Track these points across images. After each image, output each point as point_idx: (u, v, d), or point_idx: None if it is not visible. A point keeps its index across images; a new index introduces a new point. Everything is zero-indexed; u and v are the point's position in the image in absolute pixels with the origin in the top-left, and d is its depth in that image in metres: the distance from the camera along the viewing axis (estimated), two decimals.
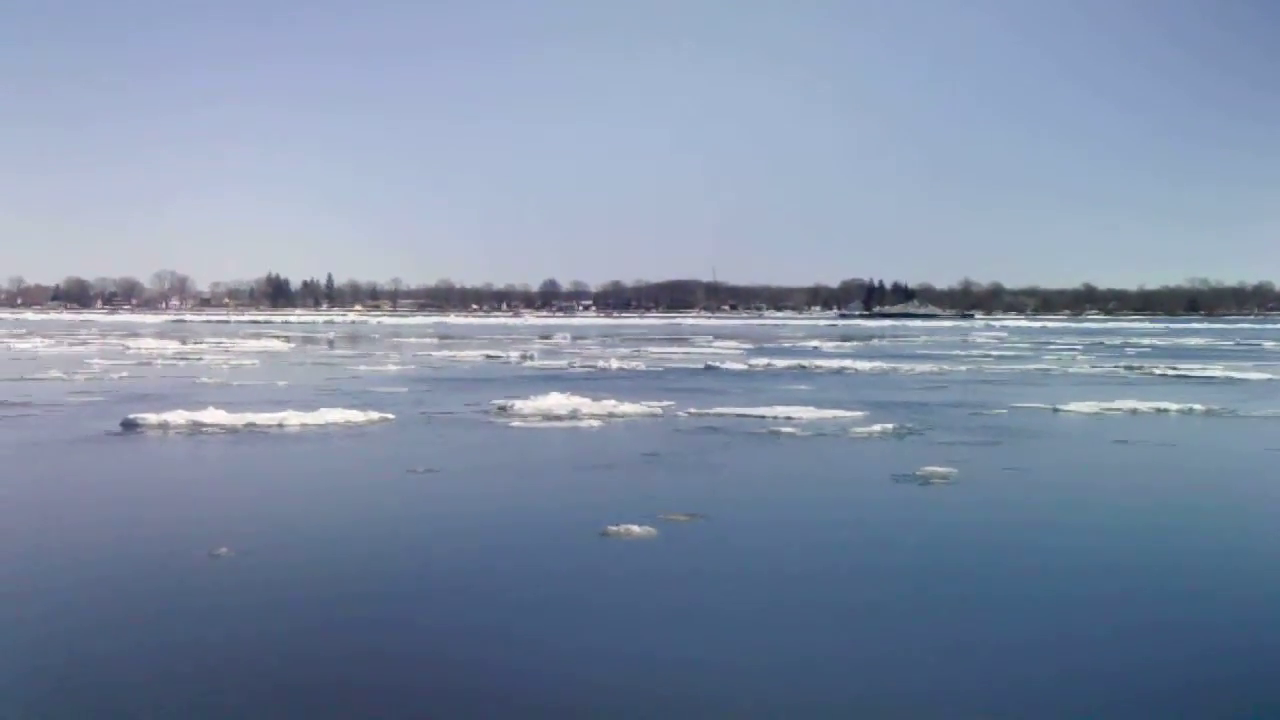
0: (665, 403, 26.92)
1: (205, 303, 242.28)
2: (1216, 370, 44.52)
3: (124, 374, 38.77)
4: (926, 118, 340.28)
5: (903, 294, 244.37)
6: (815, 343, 78.28)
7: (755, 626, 9.11)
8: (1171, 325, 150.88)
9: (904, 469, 16.72)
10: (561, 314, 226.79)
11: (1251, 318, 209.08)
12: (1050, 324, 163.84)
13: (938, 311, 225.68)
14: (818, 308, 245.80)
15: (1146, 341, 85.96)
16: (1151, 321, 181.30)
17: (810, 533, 12.93)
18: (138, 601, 9.52)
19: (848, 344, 78.33)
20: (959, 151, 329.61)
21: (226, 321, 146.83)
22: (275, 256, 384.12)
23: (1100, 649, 8.58)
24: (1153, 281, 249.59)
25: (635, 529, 12.16)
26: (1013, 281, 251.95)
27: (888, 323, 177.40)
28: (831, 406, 26.02)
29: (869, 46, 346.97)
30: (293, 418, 22.46)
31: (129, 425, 21.62)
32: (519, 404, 25.78)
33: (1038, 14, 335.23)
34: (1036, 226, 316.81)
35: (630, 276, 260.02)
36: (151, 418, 21.96)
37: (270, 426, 21.66)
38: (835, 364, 47.35)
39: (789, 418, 23.97)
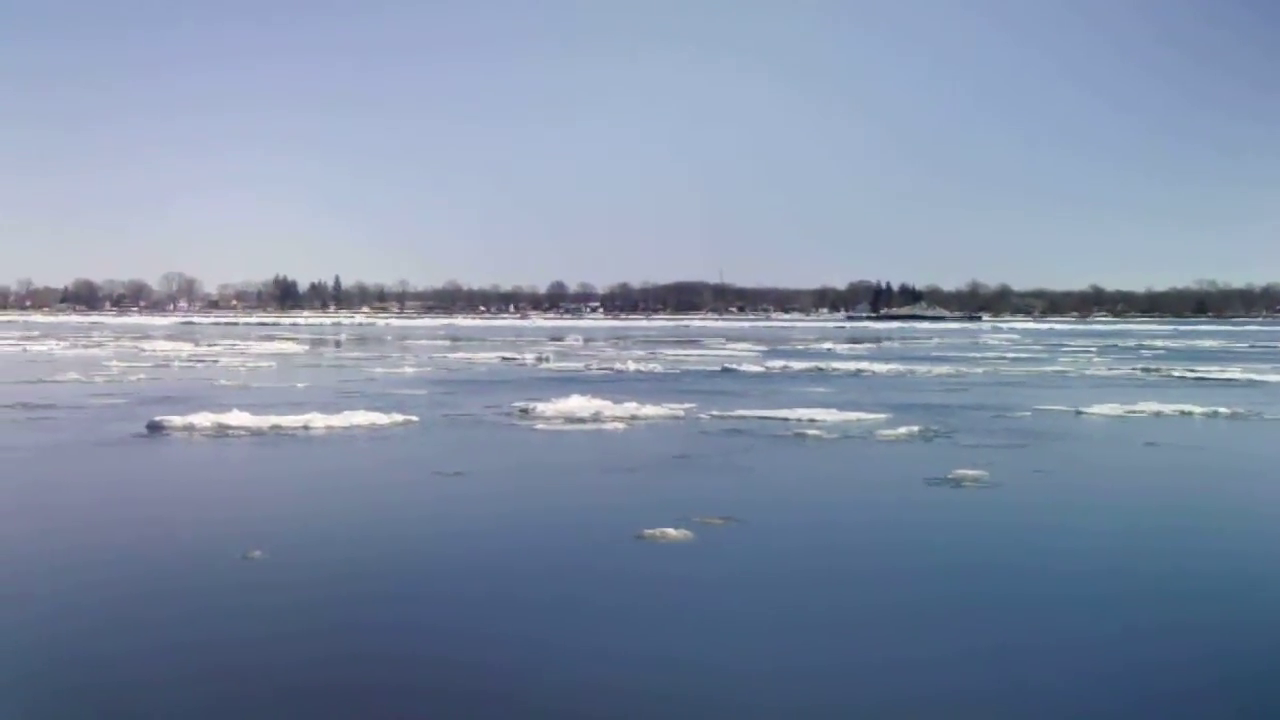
0: (686, 405, 26.88)
1: (213, 305, 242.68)
2: (1235, 372, 44.36)
3: (142, 376, 38.82)
4: (933, 120, 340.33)
5: (910, 296, 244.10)
6: (828, 344, 78.21)
7: (800, 630, 9.06)
8: (1180, 327, 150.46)
9: (934, 472, 16.65)
10: (569, 316, 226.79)
11: (1260, 319, 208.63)
12: (1058, 326, 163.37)
13: (945, 313, 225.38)
14: (825, 309, 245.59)
15: (1159, 343, 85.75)
16: (1160, 323, 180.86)
17: (847, 535, 12.89)
18: (174, 604, 9.48)
19: (860, 346, 78.22)
20: (966, 154, 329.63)
21: (235, 323, 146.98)
22: (283, 258, 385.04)
23: (1146, 649, 8.58)
24: (1160, 283, 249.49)
25: (671, 532, 12.11)
26: (1020, 283, 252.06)
27: (895, 324, 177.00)
28: (853, 409, 25.95)
29: (875, 49, 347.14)
30: (317, 420, 22.43)
31: (154, 427, 21.62)
32: (540, 406, 25.74)
33: (1042, 17, 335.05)
34: (1043, 228, 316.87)
35: (637, 278, 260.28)
36: (176, 420, 21.95)
37: (295, 429, 21.64)
38: (851, 366, 47.26)
39: (812, 420, 23.92)
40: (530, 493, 15.64)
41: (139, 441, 20.32)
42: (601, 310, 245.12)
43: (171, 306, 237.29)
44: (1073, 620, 9.36)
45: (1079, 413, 26.73)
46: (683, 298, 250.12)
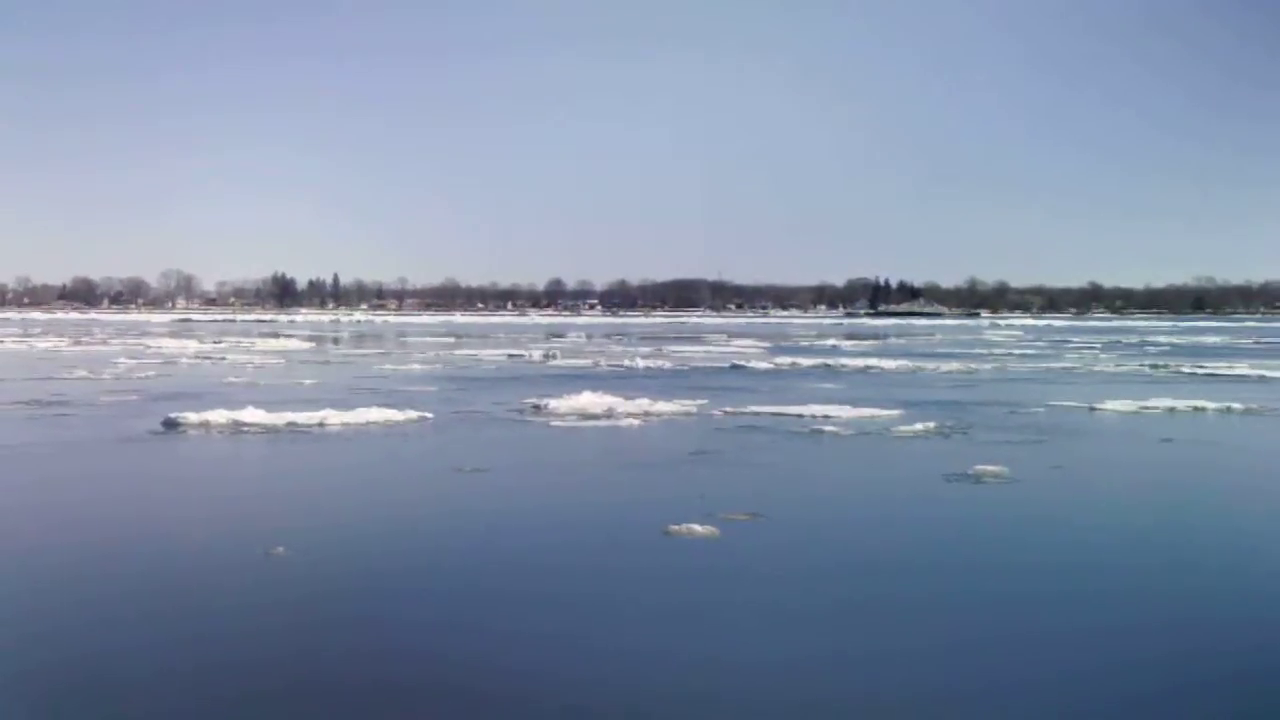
0: (699, 401, 26.86)
1: (211, 302, 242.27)
2: (1243, 368, 44.37)
3: (150, 373, 38.81)
4: (932, 116, 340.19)
5: (908, 293, 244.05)
6: (833, 341, 78.23)
7: (834, 624, 9.08)
8: (1179, 324, 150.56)
9: (954, 468, 16.64)
10: (567, 313, 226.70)
11: (1258, 316, 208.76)
12: (1057, 322, 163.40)
13: (943, 310, 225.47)
14: (823, 306, 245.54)
15: (1162, 339, 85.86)
16: (1159, 320, 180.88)
17: (873, 531, 12.88)
18: (200, 601, 9.46)
19: (866, 342, 78.24)
20: (965, 150, 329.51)
21: (233, 321, 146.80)
22: (281, 256, 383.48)
23: (1175, 641, 8.64)
24: (1159, 280, 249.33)
25: (697, 528, 12.10)
26: (1018, 280, 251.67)
27: (893, 321, 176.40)
28: (867, 405, 25.93)
29: (873, 45, 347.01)
30: (332, 417, 22.41)
31: (170, 424, 21.60)
32: (553, 403, 25.72)
33: (1041, 14, 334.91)
34: (1042, 225, 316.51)
35: (636, 275, 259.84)
36: (192, 417, 21.92)
37: (311, 426, 21.62)
38: (860, 362, 47.24)
39: (827, 416, 23.91)
40: (553, 489, 15.63)
41: (156, 438, 20.30)
42: (599, 307, 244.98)
43: (170, 304, 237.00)
44: (1102, 614, 9.38)
45: (1092, 409, 26.73)
46: (681, 295, 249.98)
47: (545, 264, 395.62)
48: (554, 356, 51.54)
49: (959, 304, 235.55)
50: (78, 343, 66.06)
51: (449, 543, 12.05)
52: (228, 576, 10.24)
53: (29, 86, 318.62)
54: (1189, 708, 7.38)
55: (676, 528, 12.07)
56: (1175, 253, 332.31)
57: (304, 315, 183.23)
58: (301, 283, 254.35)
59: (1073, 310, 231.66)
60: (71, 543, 11.84)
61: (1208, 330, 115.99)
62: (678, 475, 16.56)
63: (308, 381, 35.40)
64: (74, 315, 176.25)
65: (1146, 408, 26.73)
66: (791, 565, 11.03)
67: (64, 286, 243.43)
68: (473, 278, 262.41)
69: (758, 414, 24.66)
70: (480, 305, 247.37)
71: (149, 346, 60.47)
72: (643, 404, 25.54)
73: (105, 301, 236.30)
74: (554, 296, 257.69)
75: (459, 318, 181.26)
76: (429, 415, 23.56)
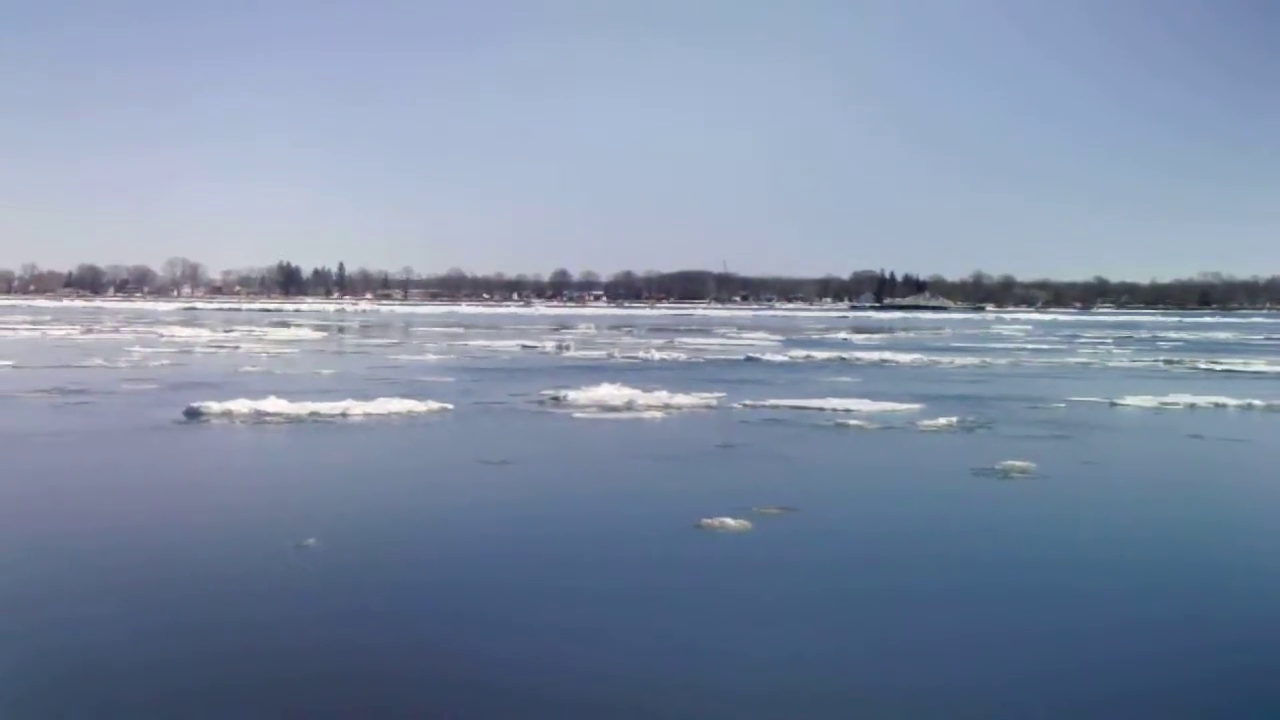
0: (718, 394, 26.82)
1: (217, 290, 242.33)
2: (1260, 365, 44.24)
3: (165, 361, 38.83)
4: (938, 110, 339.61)
5: (914, 286, 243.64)
6: (844, 334, 78.14)
7: (874, 618, 9.07)
8: (1185, 319, 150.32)
9: (981, 463, 16.62)
10: (572, 304, 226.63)
11: (1264, 312, 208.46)
12: (1062, 317, 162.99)
13: (949, 304, 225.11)
14: (828, 299, 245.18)
15: (1172, 335, 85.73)
16: (1165, 315, 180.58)
17: (908, 526, 12.83)
18: (232, 593, 9.43)
19: (877, 336, 78.16)
20: (972, 144, 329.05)
21: (239, 309, 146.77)
22: (287, 245, 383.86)
23: (1215, 635, 8.63)
24: (1164, 275, 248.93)
25: (730, 522, 12.06)
26: (1024, 274, 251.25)
27: (898, 315, 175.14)
28: (887, 399, 25.88)
29: (881, 38, 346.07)
30: (354, 407, 22.37)
31: (193, 414, 21.57)
32: (571, 394, 25.69)
33: (1049, 9, 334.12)
34: (1048, 219, 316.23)
35: (641, 267, 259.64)
36: (214, 406, 21.88)
37: (334, 416, 21.58)
38: (874, 356, 47.15)
39: (848, 410, 23.86)
40: (581, 482, 15.62)
41: (180, 427, 20.29)
42: (604, 299, 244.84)
43: (175, 292, 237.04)
44: (1142, 609, 9.43)
45: (1113, 404, 26.68)
46: (686, 286, 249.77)
47: (551, 255, 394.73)
48: (567, 348, 51.53)
49: (964, 297, 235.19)
50: (89, 330, 66.09)
51: (481, 535, 12.00)
52: (260, 568, 10.21)
53: (35, 75, 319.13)
54: (1232, 703, 7.36)
55: (709, 521, 12.04)
56: (1181, 248, 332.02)
57: (309, 304, 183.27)
58: (307, 272, 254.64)
59: (1078, 305, 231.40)
60: (105, 530, 11.83)
61: (1216, 326, 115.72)
62: (705, 469, 16.51)
63: (323, 371, 35.40)
64: (80, 303, 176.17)
65: (1167, 404, 26.67)
66: (827, 559, 11.03)
67: (70, 274, 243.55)
68: (478, 268, 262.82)
69: (778, 407, 24.61)
70: (486, 296, 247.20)
71: (161, 335, 60.46)
72: (662, 396, 25.51)
73: (111, 290, 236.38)
74: (559, 287, 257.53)
75: (464, 308, 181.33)
76: (450, 406, 23.52)
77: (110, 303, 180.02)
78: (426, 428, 20.94)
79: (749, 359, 44.56)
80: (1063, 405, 26.47)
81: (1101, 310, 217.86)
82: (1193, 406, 26.48)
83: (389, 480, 15.66)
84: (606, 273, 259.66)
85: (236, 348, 49.08)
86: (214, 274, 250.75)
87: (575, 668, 7.79)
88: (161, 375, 32.48)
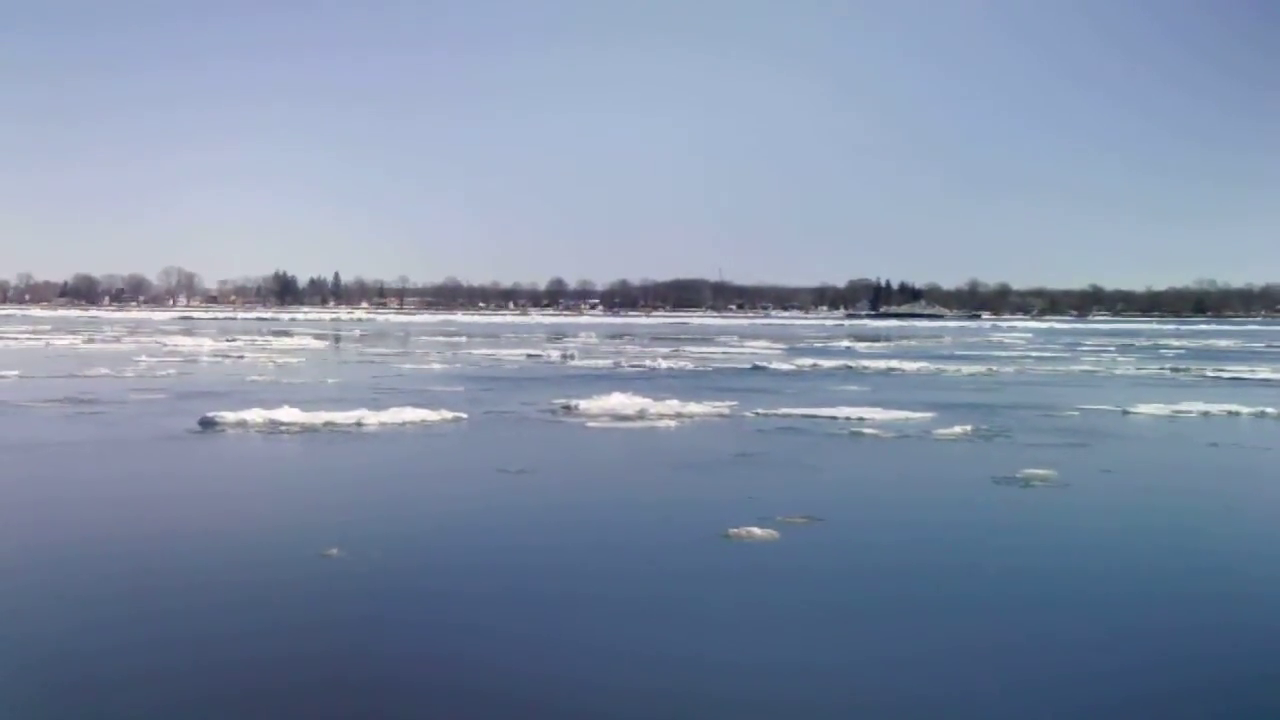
0: (729, 403, 26.79)
1: (212, 300, 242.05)
2: (1267, 372, 44.27)
3: (172, 371, 38.75)
4: (934, 117, 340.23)
5: (910, 294, 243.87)
6: (846, 343, 78.09)
7: (908, 626, 9.07)
8: (1182, 326, 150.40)
9: (1001, 471, 16.59)
10: (568, 312, 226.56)
11: (1259, 319, 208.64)
12: (1059, 325, 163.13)
13: (945, 312, 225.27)
14: (824, 308, 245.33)
15: (1173, 343, 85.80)
16: (1161, 322, 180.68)
17: (933, 534, 12.82)
18: (260, 604, 9.41)
19: (879, 344, 78.12)
20: (966, 151, 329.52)
21: (234, 318, 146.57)
22: (282, 254, 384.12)
23: (1245, 641, 8.65)
24: (1160, 283, 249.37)
25: (757, 531, 12.04)
26: (1019, 282, 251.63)
27: (895, 323, 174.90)
28: (898, 408, 25.85)
29: (876, 45, 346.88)
30: (368, 417, 22.34)
31: (207, 423, 21.51)
32: (583, 404, 25.66)
33: (1045, 14, 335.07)
34: (1044, 227, 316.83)
35: (637, 275, 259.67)
36: (229, 416, 21.83)
37: (348, 425, 21.54)
38: (880, 364, 47.10)
39: (862, 419, 23.83)
40: (603, 491, 15.57)
41: (195, 437, 20.23)
42: (600, 307, 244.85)
43: (171, 301, 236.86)
44: (1175, 616, 9.48)
45: (1125, 412, 26.67)
46: (682, 295, 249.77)
47: (546, 263, 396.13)
48: (572, 357, 51.52)
49: (960, 305, 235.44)
50: (91, 340, 66.01)
51: (507, 545, 11.92)
52: (285, 578, 10.19)
53: (30, 83, 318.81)
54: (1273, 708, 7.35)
55: (736, 531, 12.01)
56: (1176, 255, 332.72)
57: (305, 314, 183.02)
58: (302, 281, 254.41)
59: (1073, 312, 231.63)
60: (130, 539, 11.82)
61: (1215, 334, 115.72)
62: (726, 478, 16.47)
63: (330, 380, 35.35)
64: (76, 312, 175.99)
65: (1180, 412, 26.66)
66: (858, 568, 11.01)
67: (65, 284, 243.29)
68: (474, 277, 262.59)
69: (790, 416, 24.58)
70: (482, 304, 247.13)
71: (165, 344, 60.38)
72: (673, 405, 25.48)
73: (106, 299, 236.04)
74: (555, 296, 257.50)
75: (460, 317, 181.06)
76: (462, 415, 23.47)
77: (105, 312, 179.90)
78: (441, 437, 20.89)
79: (756, 368, 44.50)
80: (1075, 413, 26.45)
81: (1097, 318, 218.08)
82: (1206, 414, 26.46)
83: (409, 490, 15.64)
84: (602, 281, 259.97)
85: (241, 357, 49.02)
86: (209, 283, 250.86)
87: (614, 683, 7.72)
88: (170, 385, 32.42)
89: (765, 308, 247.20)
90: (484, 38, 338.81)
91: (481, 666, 7.94)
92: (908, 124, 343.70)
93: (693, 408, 25.33)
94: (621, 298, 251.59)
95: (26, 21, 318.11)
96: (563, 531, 12.71)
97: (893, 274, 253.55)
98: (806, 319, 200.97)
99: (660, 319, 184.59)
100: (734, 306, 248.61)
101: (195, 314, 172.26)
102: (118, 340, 67.02)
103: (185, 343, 62.36)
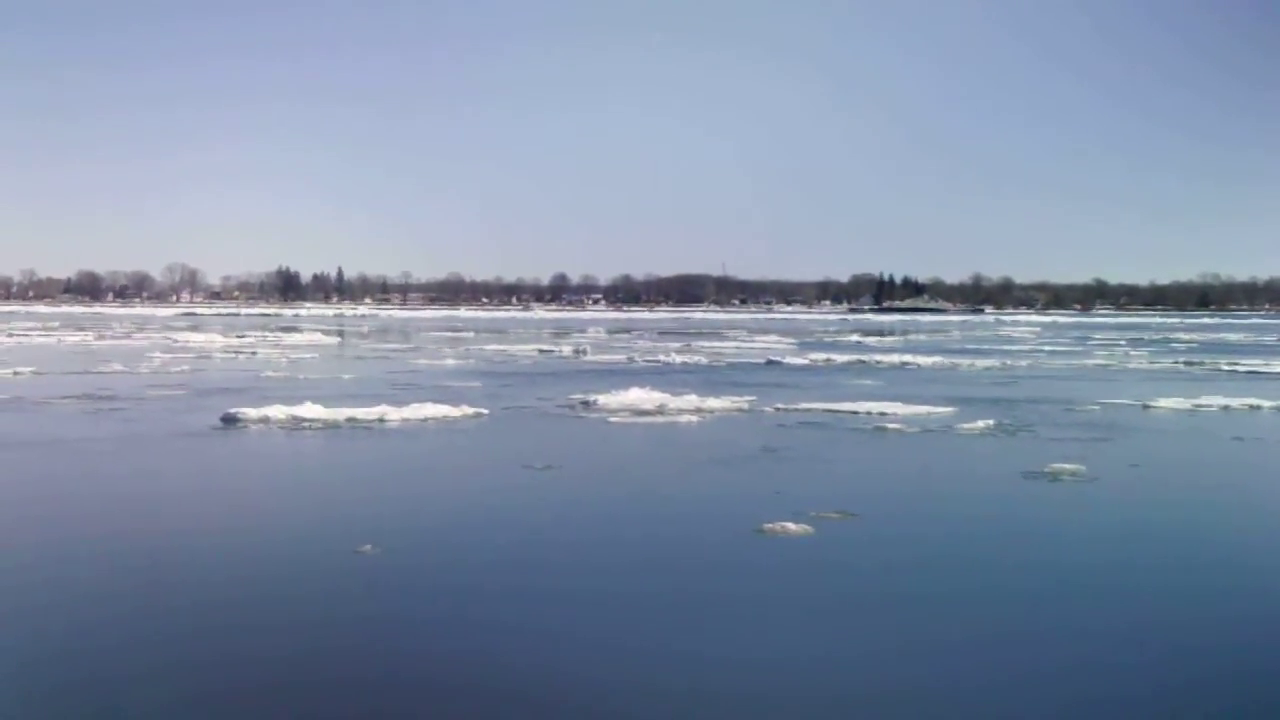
0: (748, 398, 26.74)
1: (215, 296, 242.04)
2: None
3: (186, 367, 38.77)
4: (936, 112, 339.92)
5: (913, 288, 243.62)
6: (856, 337, 78.07)
7: (949, 618, 9.06)
8: (1186, 320, 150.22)
9: (1029, 466, 16.57)
10: (571, 308, 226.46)
11: (1263, 313, 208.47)
12: (1062, 319, 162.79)
13: (948, 306, 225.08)
14: (827, 302, 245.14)
15: (1183, 336, 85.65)
16: (1165, 316, 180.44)
17: (968, 528, 12.81)
18: (298, 601, 9.38)
19: (889, 339, 78.10)
20: (969, 146, 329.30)
21: (237, 314, 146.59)
22: (285, 250, 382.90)
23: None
24: (1163, 276, 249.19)
25: (791, 526, 12.01)
26: (1023, 276, 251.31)
27: (899, 317, 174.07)
28: (918, 402, 25.80)
29: (879, 42, 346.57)
30: (390, 412, 22.29)
31: (230, 420, 21.47)
32: (601, 399, 25.61)
33: (1047, 12, 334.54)
34: (1047, 221, 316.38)
35: (640, 270, 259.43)
36: (251, 412, 21.78)
37: (371, 421, 21.50)
38: (894, 359, 47.08)
39: (883, 413, 23.79)
40: (631, 486, 15.49)
41: (219, 433, 20.21)
42: (604, 302, 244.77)
43: (174, 297, 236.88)
44: (1219, 607, 9.49)
45: (1145, 406, 26.61)
46: (685, 290, 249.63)
47: (549, 259, 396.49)
48: (584, 352, 51.49)
49: (963, 300, 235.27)
50: (102, 337, 66.02)
51: (543, 540, 11.89)
52: (320, 575, 10.16)
53: (33, 81, 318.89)
54: None
55: (770, 526, 11.99)
56: (1180, 249, 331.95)
57: (308, 309, 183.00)
58: (305, 277, 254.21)
59: (1077, 306, 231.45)
60: (165, 533, 11.82)
61: (1222, 328, 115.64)
62: (754, 473, 16.42)
63: (346, 376, 35.33)
64: (80, 309, 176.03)
65: (1200, 405, 26.59)
66: (896, 562, 10.96)
67: (69, 280, 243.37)
68: (477, 272, 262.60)
69: (811, 410, 24.54)
70: (485, 300, 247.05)
71: (176, 341, 60.42)
72: (692, 400, 25.45)
73: (110, 295, 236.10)
74: (558, 291, 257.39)
75: (463, 312, 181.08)
76: (483, 411, 23.42)
77: (109, 308, 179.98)
78: (464, 433, 20.86)
79: (770, 362, 44.41)
80: (1095, 407, 26.39)
81: (1101, 312, 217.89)
82: (1226, 408, 26.39)
83: (437, 485, 15.62)
84: (605, 276, 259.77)
85: (254, 353, 48.99)
86: (213, 279, 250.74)
87: (660, 682, 7.63)
88: (186, 381, 32.41)
89: (768, 302, 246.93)
90: (488, 34, 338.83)
91: (526, 665, 7.89)
92: (910, 120, 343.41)
93: (712, 403, 25.29)
94: (625, 293, 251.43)
95: (29, 19, 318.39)
96: (596, 527, 12.68)
97: (896, 268, 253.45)
98: (810, 313, 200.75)
99: (663, 314, 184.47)
100: (737, 301, 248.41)
101: (199, 310, 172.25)
102: (128, 336, 67.03)
103: (195, 339, 62.38)
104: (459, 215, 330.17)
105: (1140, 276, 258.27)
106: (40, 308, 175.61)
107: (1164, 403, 27.01)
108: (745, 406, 25.21)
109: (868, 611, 9.27)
